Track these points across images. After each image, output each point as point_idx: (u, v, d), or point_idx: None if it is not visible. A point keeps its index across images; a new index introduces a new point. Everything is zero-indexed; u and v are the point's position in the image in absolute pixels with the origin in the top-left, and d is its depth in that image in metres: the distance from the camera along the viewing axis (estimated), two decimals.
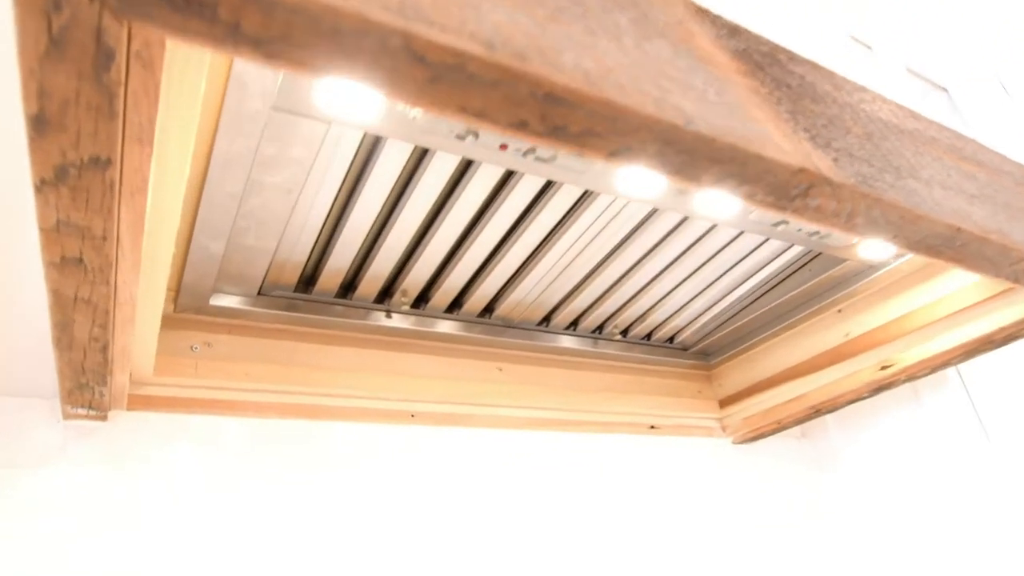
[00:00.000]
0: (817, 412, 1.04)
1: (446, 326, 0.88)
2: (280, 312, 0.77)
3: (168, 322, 0.73)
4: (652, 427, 1.08)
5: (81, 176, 0.36)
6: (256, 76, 0.46)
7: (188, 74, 0.36)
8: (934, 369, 0.90)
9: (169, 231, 0.48)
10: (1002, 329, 0.82)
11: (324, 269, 0.75)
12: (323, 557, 0.74)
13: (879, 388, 0.95)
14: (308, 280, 0.79)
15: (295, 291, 0.78)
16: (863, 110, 0.56)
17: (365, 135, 0.57)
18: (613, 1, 0.43)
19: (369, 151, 0.61)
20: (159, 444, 0.70)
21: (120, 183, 0.38)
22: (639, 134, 0.39)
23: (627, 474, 1.02)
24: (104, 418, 0.68)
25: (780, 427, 1.09)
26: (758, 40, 0.52)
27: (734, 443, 1.16)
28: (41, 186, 0.36)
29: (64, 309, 0.49)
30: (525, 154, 0.59)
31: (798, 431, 1.26)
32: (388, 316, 0.84)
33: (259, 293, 0.76)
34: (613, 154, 0.40)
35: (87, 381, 0.60)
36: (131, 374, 0.68)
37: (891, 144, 0.54)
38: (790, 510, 1.17)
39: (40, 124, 0.32)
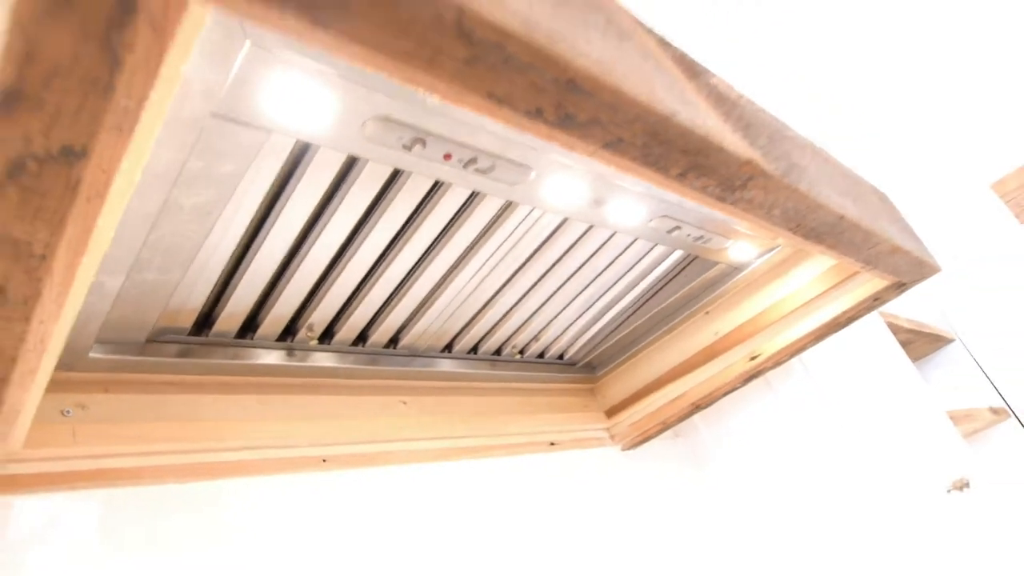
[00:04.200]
0: (697, 407, 1.12)
1: (352, 360, 0.83)
2: (173, 360, 0.68)
3: None
4: (552, 444, 1.10)
5: (41, 173, 0.30)
6: (202, 73, 0.41)
7: (181, 51, 0.31)
8: (794, 353, 1.02)
9: (98, 256, 0.40)
10: (845, 312, 0.96)
11: (226, 307, 0.68)
12: None
13: (750, 377, 1.06)
14: (204, 321, 0.70)
15: (190, 334, 0.69)
16: (759, 114, 0.63)
17: (295, 145, 0.53)
18: (587, 4, 0.45)
19: (291, 167, 0.57)
20: (41, 531, 0.57)
21: (83, 184, 0.32)
22: (634, 125, 0.41)
23: (533, 492, 1.03)
24: None
25: (665, 427, 1.16)
26: (681, 49, 0.57)
27: (622, 450, 1.22)
28: None
29: None
30: (466, 166, 0.58)
31: (672, 432, 1.35)
32: (291, 355, 0.77)
33: (147, 340, 0.66)
34: (607, 145, 0.42)
35: None
36: None
37: (789, 145, 0.62)
38: (675, 506, 1.24)
39: (11, 101, 0.26)
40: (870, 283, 0.90)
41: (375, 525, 0.81)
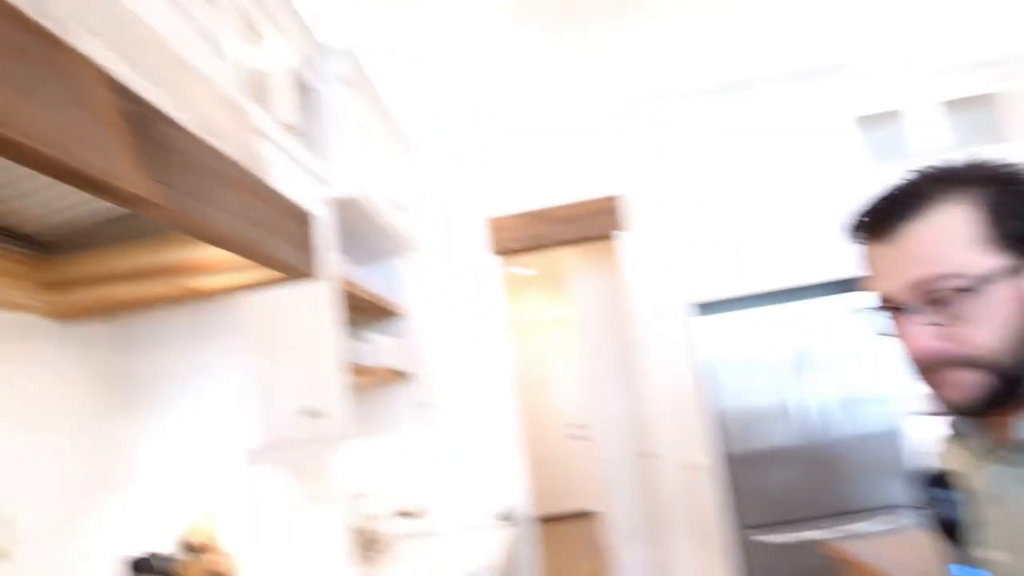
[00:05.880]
0: (130, 308, 1.43)
1: None
2: None
3: None
4: None
5: None
6: None
7: None
8: (214, 296, 1.41)
9: None
10: (256, 281, 1.39)
11: None
12: None
13: (176, 302, 1.41)
14: None
15: None
16: (204, 163, 0.98)
17: None
18: (51, 73, 0.72)
19: None
20: None
21: None
22: (46, 166, 0.71)
23: None
24: None
25: (95, 316, 1.43)
26: (146, 104, 0.88)
27: (57, 320, 1.44)
28: None
29: None
30: None
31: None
32: None
33: None
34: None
35: None
36: None
37: (209, 184, 0.98)
38: (99, 381, 1.52)
39: None
40: (269, 271, 1.35)
41: None
